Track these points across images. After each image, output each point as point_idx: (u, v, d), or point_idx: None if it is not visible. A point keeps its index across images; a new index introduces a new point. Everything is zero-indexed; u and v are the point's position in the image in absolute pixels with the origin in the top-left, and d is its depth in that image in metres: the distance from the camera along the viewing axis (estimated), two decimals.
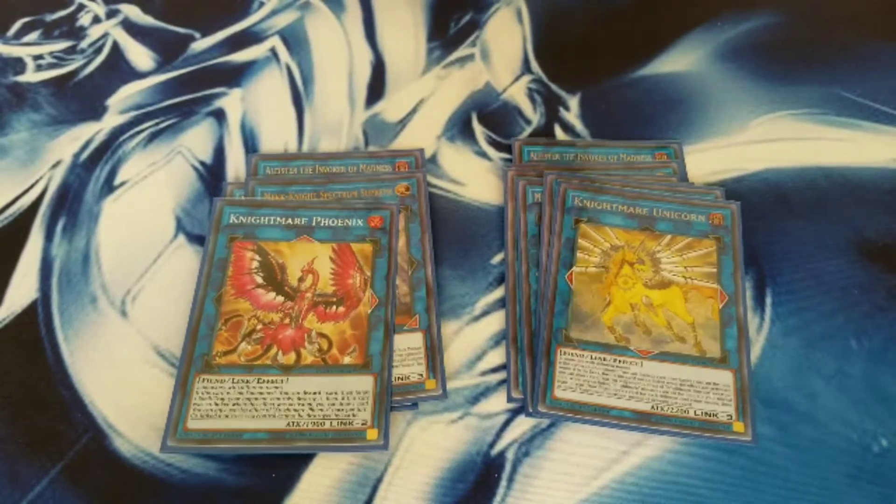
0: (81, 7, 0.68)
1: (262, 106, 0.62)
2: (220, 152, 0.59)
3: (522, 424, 0.47)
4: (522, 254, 0.52)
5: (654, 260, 0.51)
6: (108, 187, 0.57)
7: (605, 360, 0.47)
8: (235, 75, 0.64)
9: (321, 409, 0.45)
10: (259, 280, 0.50)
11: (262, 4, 0.69)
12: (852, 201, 0.56)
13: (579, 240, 0.52)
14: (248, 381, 0.46)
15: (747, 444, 0.45)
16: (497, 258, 0.54)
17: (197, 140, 0.60)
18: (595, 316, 0.49)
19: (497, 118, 0.61)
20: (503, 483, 0.44)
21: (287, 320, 0.49)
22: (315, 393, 0.46)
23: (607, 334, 0.48)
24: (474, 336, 0.50)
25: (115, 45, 0.66)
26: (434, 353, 0.48)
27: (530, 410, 0.46)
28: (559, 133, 0.60)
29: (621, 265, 0.51)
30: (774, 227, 0.55)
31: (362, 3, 0.69)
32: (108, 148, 0.59)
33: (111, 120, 0.61)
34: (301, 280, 0.51)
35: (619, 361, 0.47)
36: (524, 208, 0.54)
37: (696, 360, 0.47)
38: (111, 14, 0.68)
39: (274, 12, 0.68)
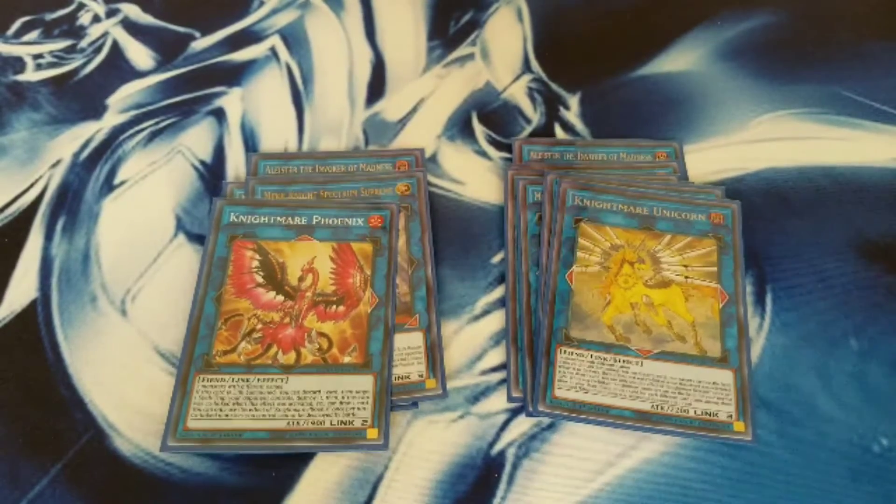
0: (81, 6, 0.68)
1: (262, 105, 0.62)
2: (220, 151, 0.59)
3: (522, 424, 0.47)
4: (523, 253, 0.52)
5: (655, 259, 0.51)
6: (108, 186, 0.57)
7: (605, 359, 0.47)
8: (235, 74, 0.64)
9: (321, 409, 0.45)
10: (259, 279, 0.50)
11: (261, 3, 0.69)
12: (853, 201, 0.56)
13: (579, 239, 0.52)
14: (248, 381, 0.46)
15: (748, 443, 0.45)
16: (497, 257, 0.54)
17: (197, 139, 0.60)
18: (595, 315, 0.49)
19: (497, 117, 0.61)
20: (503, 482, 0.44)
21: (287, 319, 0.49)
22: (315, 392, 0.46)
23: (607, 334, 0.48)
24: (474, 335, 0.50)
25: (115, 45, 0.66)
26: (434, 352, 0.48)
27: (530, 410, 0.46)
28: (559, 132, 0.60)
29: (621, 264, 0.51)
30: (775, 226, 0.55)
31: (362, 2, 0.69)
32: (108, 147, 0.59)
33: (111, 119, 0.61)
34: (301, 279, 0.51)
35: (620, 361, 0.47)
36: (524, 207, 0.54)
37: (696, 360, 0.47)
38: (111, 13, 0.68)
39: (274, 11, 0.68)
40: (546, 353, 0.47)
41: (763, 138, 0.60)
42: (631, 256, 0.51)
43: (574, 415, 0.45)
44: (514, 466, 0.45)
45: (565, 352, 0.47)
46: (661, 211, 0.53)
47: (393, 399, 0.46)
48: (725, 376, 0.47)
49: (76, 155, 0.59)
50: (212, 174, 0.58)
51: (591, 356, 0.47)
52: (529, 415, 0.46)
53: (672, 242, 0.52)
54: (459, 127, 0.61)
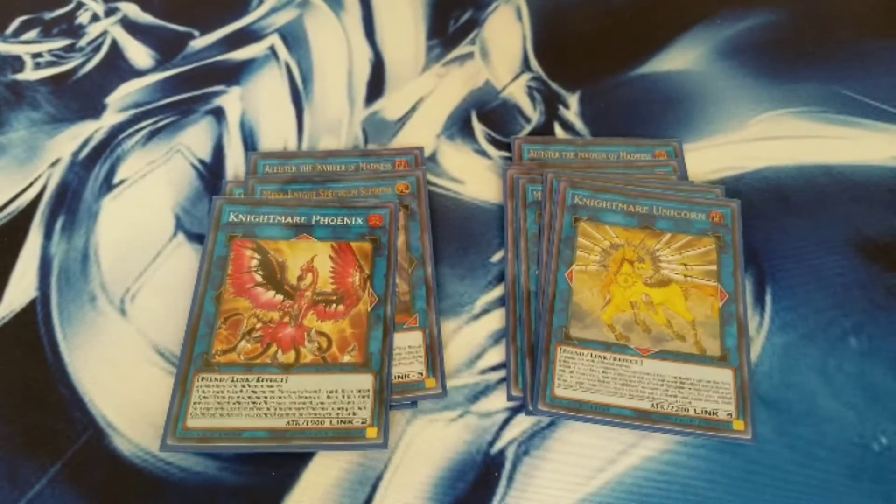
0: (80, 5, 0.68)
1: (261, 104, 0.62)
2: (219, 151, 0.59)
3: (522, 423, 0.47)
4: (522, 252, 0.52)
5: (654, 258, 0.51)
6: (107, 186, 0.57)
7: (604, 358, 0.47)
8: (234, 73, 0.64)
9: (321, 408, 0.45)
10: (258, 278, 0.50)
11: (261, 2, 0.69)
12: (852, 199, 0.56)
13: (579, 238, 0.52)
14: (247, 380, 0.46)
15: (747, 442, 0.45)
16: (496, 256, 0.53)
17: (196, 138, 0.60)
18: (595, 314, 0.49)
19: (496, 116, 0.61)
20: (503, 481, 0.44)
21: (287, 319, 0.49)
22: (315, 391, 0.46)
23: (607, 332, 0.48)
24: (474, 334, 0.50)
25: (114, 44, 0.66)
26: (434, 351, 0.48)
27: (530, 409, 0.46)
28: (559, 131, 0.60)
29: (621, 263, 0.51)
30: (774, 225, 0.55)
31: (361, 1, 0.69)
32: (107, 146, 0.59)
33: (110, 118, 0.61)
34: (301, 278, 0.50)
35: (619, 360, 0.47)
36: (524, 206, 0.54)
37: (696, 359, 0.47)
38: (110, 12, 0.68)
39: (273, 10, 0.68)
40: (546, 352, 0.47)
41: (762, 137, 0.60)
42: (630, 255, 0.51)
43: (574, 413, 0.45)
44: (514, 465, 0.45)
45: (565, 351, 0.47)
46: (661, 210, 0.53)
47: (392, 398, 0.46)
48: (725, 375, 0.47)
49: (75, 154, 0.59)
50: (211, 173, 0.58)
51: (591, 355, 0.47)
52: (529, 413, 0.46)
53: (672, 241, 0.52)
54: (459, 126, 0.61)
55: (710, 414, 0.45)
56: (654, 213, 0.53)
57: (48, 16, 0.68)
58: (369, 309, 0.49)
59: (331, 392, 0.46)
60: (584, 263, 0.51)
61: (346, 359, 0.47)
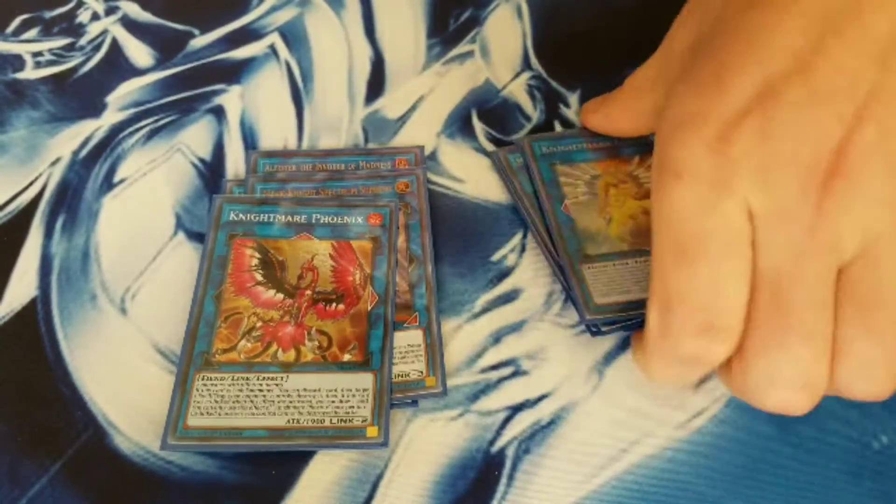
0: (80, 4, 0.68)
1: (261, 103, 0.62)
2: (219, 149, 0.59)
3: (522, 422, 0.47)
4: (533, 213, 0.54)
5: (633, 177, 0.54)
6: (108, 184, 0.57)
7: (627, 264, 0.50)
8: (235, 72, 0.64)
9: (321, 407, 0.45)
10: (259, 277, 0.50)
11: (261, 1, 0.69)
12: None
13: (560, 178, 0.54)
14: (247, 379, 0.46)
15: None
16: (497, 255, 0.53)
17: (196, 137, 0.60)
18: (603, 233, 0.52)
19: (497, 115, 0.61)
20: (503, 480, 0.44)
21: (287, 318, 0.49)
22: (315, 390, 0.46)
23: (620, 244, 0.51)
24: (474, 333, 0.50)
25: (115, 42, 0.66)
26: (434, 350, 0.48)
27: (586, 318, 0.47)
28: (559, 130, 0.60)
29: (607, 189, 0.54)
30: None
31: (361, 0, 0.69)
32: (108, 145, 0.59)
33: (110, 117, 0.61)
34: (301, 277, 0.51)
35: (640, 262, 0.50)
36: (514, 174, 0.56)
37: None
38: (110, 11, 0.68)
39: (273, 9, 0.68)
40: (573, 273, 0.49)
41: None
42: (612, 181, 0.54)
43: (619, 316, 0.47)
44: (515, 464, 0.45)
45: (590, 268, 0.49)
46: (625, 142, 0.56)
47: (393, 397, 0.46)
48: None
49: (75, 153, 0.59)
50: (211, 172, 0.58)
51: (615, 265, 0.50)
52: (587, 324, 0.48)
53: (642, 161, 0.55)
54: (459, 125, 0.61)
55: None
56: (618, 145, 0.56)
57: (48, 14, 0.68)
58: (369, 308, 0.49)
59: (331, 391, 0.46)
60: (574, 196, 0.53)
61: (347, 357, 0.47)
